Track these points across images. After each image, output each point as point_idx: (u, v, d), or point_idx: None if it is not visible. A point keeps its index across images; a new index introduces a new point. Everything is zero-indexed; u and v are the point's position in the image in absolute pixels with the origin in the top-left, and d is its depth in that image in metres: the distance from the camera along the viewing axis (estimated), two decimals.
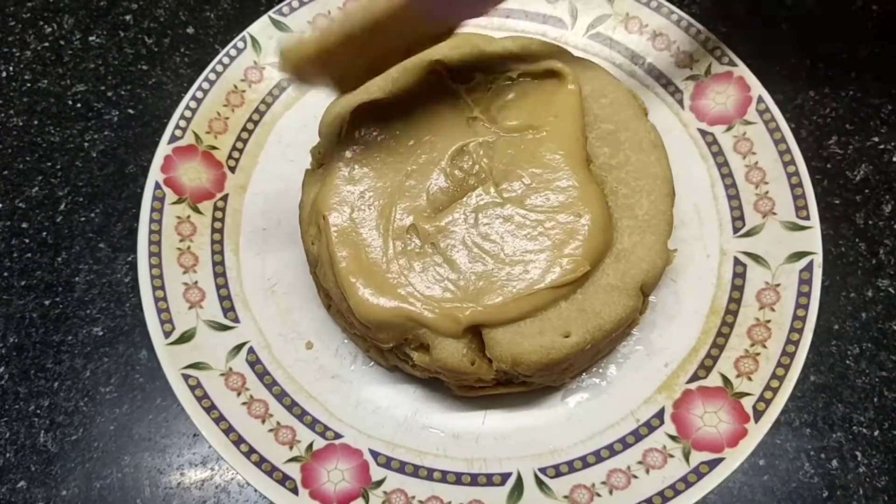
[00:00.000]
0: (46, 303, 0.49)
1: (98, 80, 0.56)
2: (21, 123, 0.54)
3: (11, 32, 0.58)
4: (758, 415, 0.42)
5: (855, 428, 0.45)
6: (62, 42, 0.57)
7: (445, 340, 0.39)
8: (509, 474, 0.42)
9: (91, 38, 0.58)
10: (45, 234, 0.51)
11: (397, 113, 0.44)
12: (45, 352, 0.47)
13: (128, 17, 0.59)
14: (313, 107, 0.47)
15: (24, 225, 0.51)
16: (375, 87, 0.45)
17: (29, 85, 0.56)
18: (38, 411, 0.46)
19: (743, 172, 0.50)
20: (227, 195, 0.50)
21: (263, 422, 0.43)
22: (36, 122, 0.54)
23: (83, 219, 0.51)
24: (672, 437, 0.43)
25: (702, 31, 0.53)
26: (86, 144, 0.54)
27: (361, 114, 0.44)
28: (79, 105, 0.55)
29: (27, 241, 0.50)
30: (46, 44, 0.57)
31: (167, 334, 0.44)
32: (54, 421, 0.46)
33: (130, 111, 0.55)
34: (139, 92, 0.56)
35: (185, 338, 0.45)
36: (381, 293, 0.39)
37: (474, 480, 0.42)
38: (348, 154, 0.43)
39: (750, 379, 0.43)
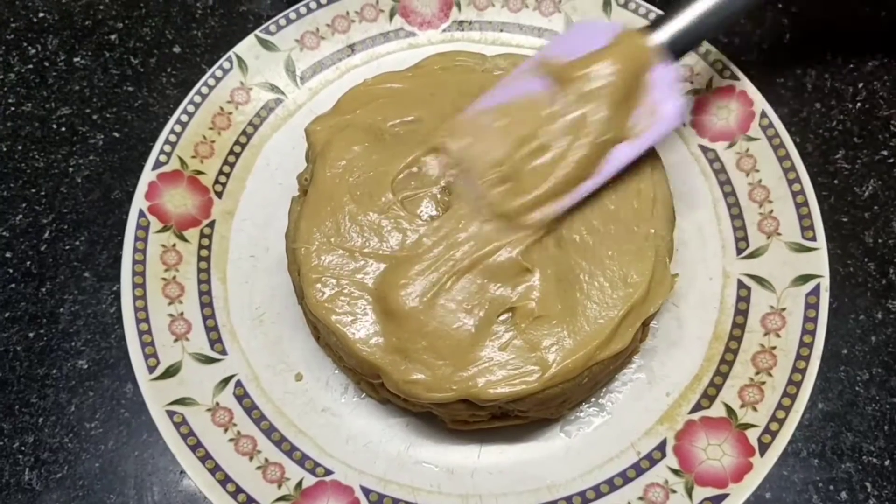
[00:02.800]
0: (31, 335, 0.48)
1: (83, 103, 0.55)
2: (5, 149, 0.53)
3: None
4: (763, 448, 0.41)
5: (865, 458, 0.44)
6: (46, 63, 0.56)
7: None
8: None
9: (76, 60, 0.56)
10: (28, 263, 0.49)
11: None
12: (30, 386, 0.46)
13: (113, 37, 0.57)
14: (302, 128, 0.46)
15: (9, 254, 0.50)
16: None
17: (13, 109, 0.55)
18: (23, 448, 0.45)
19: (746, 191, 0.48)
20: (213, 221, 0.49)
21: (251, 459, 0.42)
22: (20, 147, 0.53)
23: (68, 247, 0.50)
24: (674, 471, 0.41)
25: (702, 43, 0.51)
26: (70, 170, 0.52)
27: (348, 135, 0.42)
28: (63, 129, 0.54)
29: (11, 270, 0.49)
30: (31, 66, 0.56)
31: (151, 369, 0.43)
32: (39, 458, 0.44)
33: (116, 134, 0.54)
34: (125, 114, 0.54)
35: (171, 372, 0.43)
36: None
37: None
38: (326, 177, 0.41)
39: (755, 409, 0.42)
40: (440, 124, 0.42)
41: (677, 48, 0.41)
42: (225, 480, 0.41)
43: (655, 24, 0.42)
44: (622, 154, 0.40)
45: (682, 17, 0.41)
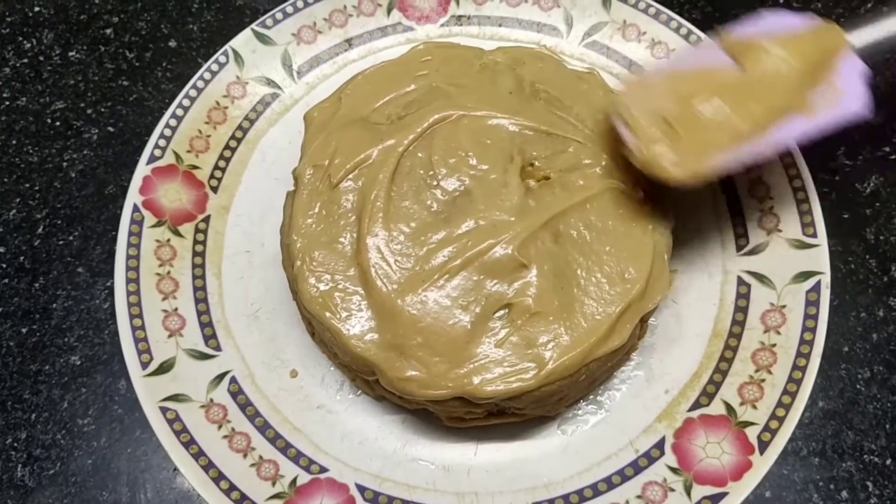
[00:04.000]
0: (23, 330, 0.47)
1: (77, 97, 0.54)
2: None
3: None
4: (763, 446, 0.40)
5: (866, 457, 0.43)
6: (41, 58, 0.56)
7: None
8: None
9: (71, 54, 0.56)
10: (22, 258, 0.49)
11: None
12: (23, 382, 0.46)
13: (108, 31, 0.57)
14: (299, 122, 0.45)
15: (2, 249, 0.49)
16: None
17: (7, 103, 0.54)
18: (16, 444, 0.44)
19: (746, 187, 0.47)
20: (208, 216, 0.48)
21: (245, 456, 0.41)
22: (14, 142, 0.53)
23: (61, 242, 0.49)
24: (673, 470, 0.41)
25: (702, 38, 0.51)
26: (64, 164, 0.52)
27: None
28: (58, 123, 0.53)
29: (4, 265, 0.49)
30: (25, 60, 0.56)
31: (144, 365, 0.42)
32: (31, 454, 0.44)
33: (110, 129, 0.53)
34: (119, 109, 0.54)
35: (164, 368, 0.43)
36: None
37: None
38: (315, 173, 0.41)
39: (755, 407, 0.41)
40: (437, 115, 0.42)
41: (864, 53, 0.42)
42: (218, 478, 0.40)
43: (851, 26, 0.42)
44: (796, 126, 0.39)
45: (880, 26, 0.43)
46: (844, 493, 0.42)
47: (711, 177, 0.39)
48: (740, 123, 0.39)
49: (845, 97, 0.39)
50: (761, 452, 0.40)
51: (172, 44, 0.56)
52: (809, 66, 0.40)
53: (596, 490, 0.41)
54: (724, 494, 0.39)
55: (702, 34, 0.51)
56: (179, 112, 0.49)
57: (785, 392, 0.41)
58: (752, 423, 0.41)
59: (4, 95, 0.55)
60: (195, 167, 0.49)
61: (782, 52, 0.41)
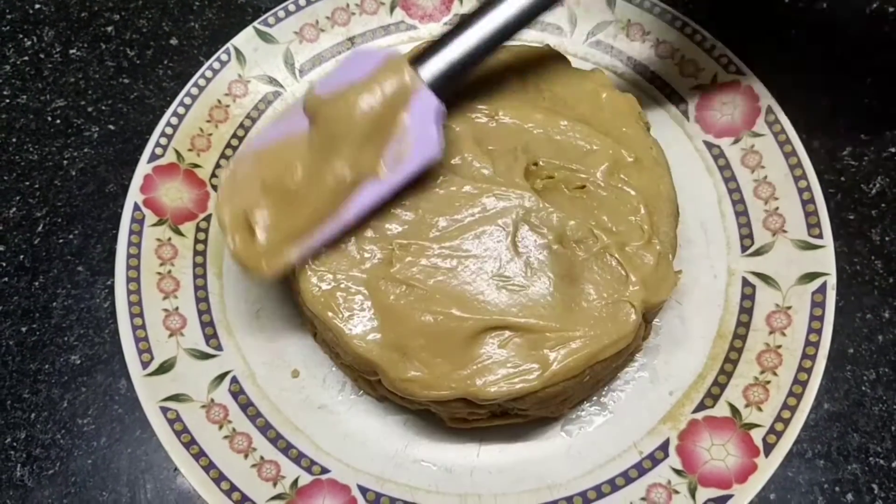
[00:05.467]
0: (23, 329, 0.47)
1: (78, 95, 0.54)
2: None
3: None
4: (768, 448, 0.40)
5: (872, 459, 0.43)
6: (42, 56, 0.56)
7: None
8: None
9: (72, 51, 0.56)
10: (22, 256, 0.49)
11: None
12: (22, 381, 0.45)
13: (109, 29, 0.56)
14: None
15: (2, 248, 0.49)
16: None
17: (8, 101, 0.54)
18: (15, 444, 0.44)
19: (751, 187, 0.47)
20: (210, 215, 0.48)
21: (246, 456, 0.41)
22: (14, 140, 0.52)
23: (61, 240, 0.49)
24: (677, 472, 0.40)
25: (707, 37, 0.50)
26: (65, 162, 0.52)
27: None
28: (58, 121, 0.53)
29: (4, 264, 0.49)
30: (26, 57, 0.56)
31: (145, 364, 0.42)
32: (31, 454, 0.44)
33: (111, 127, 0.53)
34: (120, 107, 0.54)
35: (165, 368, 0.42)
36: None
37: None
38: None
39: (760, 409, 0.41)
40: None
41: (437, 86, 0.38)
42: (219, 478, 0.40)
43: (420, 58, 0.38)
44: (369, 193, 0.38)
45: (443, 53, 0.38)
46: (850, 496, 0.42)
47: (292, 266, 0.38)
48: (314, 201, 0.37)
49: (416, 144, 0.37)
50: (766, 454, 0.40)
51: (174, 42, 0.56)
52: (375, 117, 0.37)
53: (600, 492, 0.41)
54: (728, 497, 0.39)
55: (707, 33, 0.50)
56: (181, 110, 0.49)
57: (790, 394, 0.41)
58: (757, 425, 0.41)
59: (5, 93, 0.54)
60: (196, 166, 0.48)
61: (350, 102, 0.37)
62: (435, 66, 0.38)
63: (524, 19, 0.38)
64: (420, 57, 0.38)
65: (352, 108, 0.37)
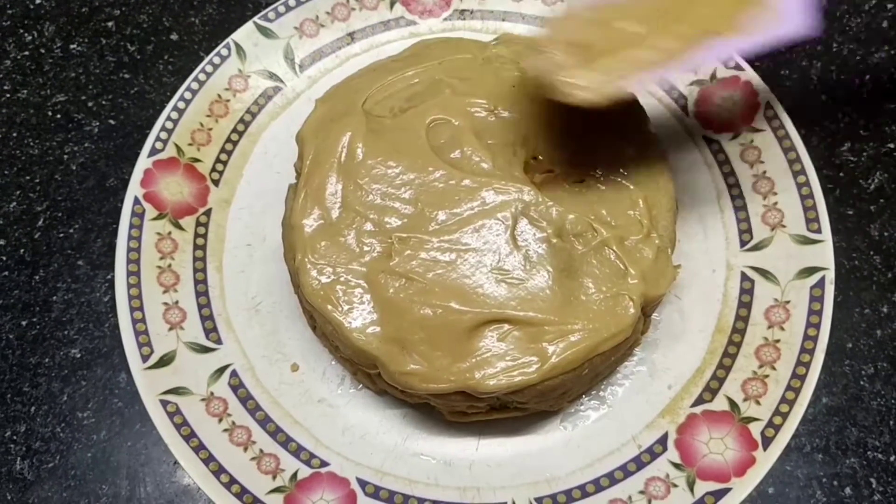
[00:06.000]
0: (23, 323, 0.47)
1: (79, 90, 0.54)
2: (0, 136, 0.52)
3: None
4: (766, 442, 0.40)
5: (870, 453, 0.43)
6: (42, 51, 0.56)
7: None
8: None
9: (72, 46, 0.56)
10: (22, 251, 0.49)
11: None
12: (22, 374, 0.46)
13: (110, 24, 0.57)
14: (301, 115, 0.45)
15: (2, 242, 0.49)
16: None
17: (8, 95, 0.54)
18: (15, 437, 0.44)
19: (750, 182, 0.47)
20: (210, 210, 0.48)
21: (246, 449, 0.41)
22: (15, 135, 0.53)
23: (62, 235, 0.49)
24: (676, 465, 0.40)
25: None
26: (65, 157, 0.52)
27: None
28: (59, 116, 0.53)
29: (4, 258, 0.49)
30: (27, 52, 0.56)
31: (145, 358, 0.42)
32: (31, 447, 0.44)
33: (111, 122, 0.53)
34: (121, 101, 0.54)
35: (165, 361, 0.43)
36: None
37: None
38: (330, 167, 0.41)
39: (758, 403, 0.41)
40: (436, 105, 0.41)
41: None
42: (219, 471, 0.40)
43: None
44: (724, 46, 0.37)
45: None
46: (848, 490, 0.42)
47: (624, 95, 0.38)
48: (663, 44, 0.37)
49: (782, 15, 0.36)
50: (765, 448, 0.40)
51: (174, 37, 0.56)
52: None
53: (598, 485, 0.41)
54: (727, 490, 0.39)
55: None
56: (181, 105, 0.49)
57: (788, 388, 0.41)
58: (755, 419, 0.41)
59: (5, 88, 0.54)
60: (197, 160, 0.48)
61: None
62: None
63: None
64: None
65: None
